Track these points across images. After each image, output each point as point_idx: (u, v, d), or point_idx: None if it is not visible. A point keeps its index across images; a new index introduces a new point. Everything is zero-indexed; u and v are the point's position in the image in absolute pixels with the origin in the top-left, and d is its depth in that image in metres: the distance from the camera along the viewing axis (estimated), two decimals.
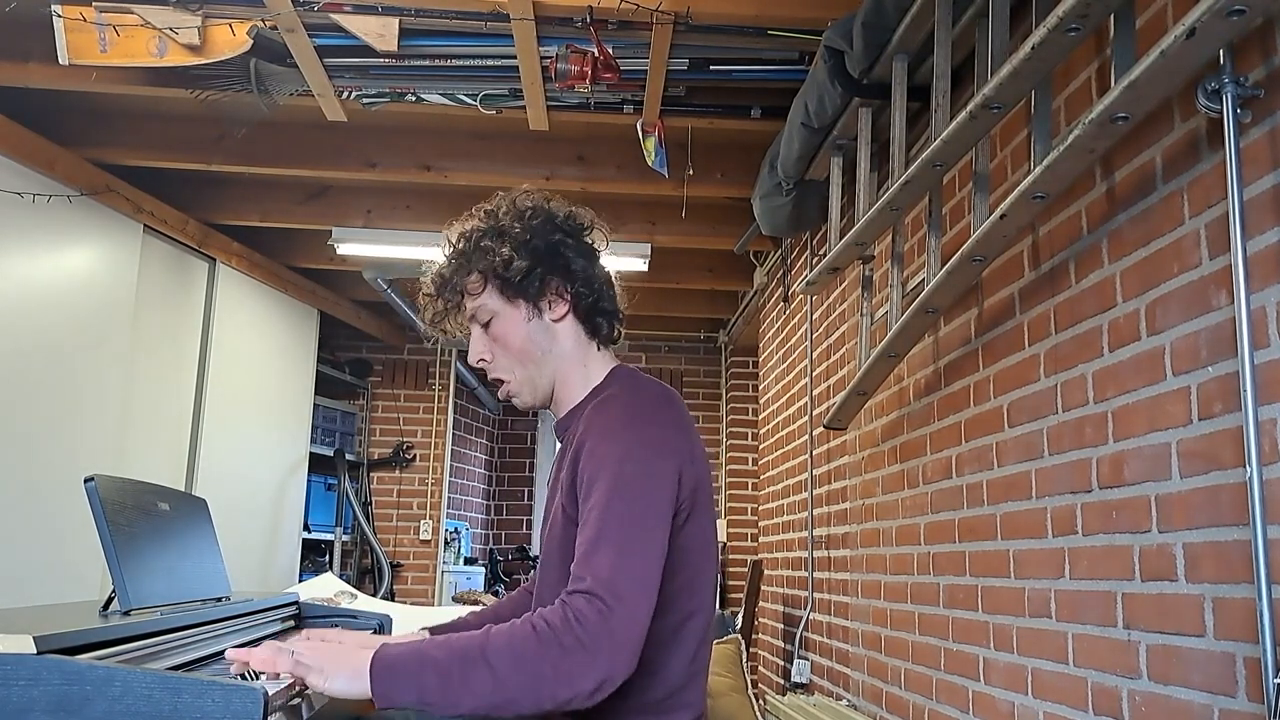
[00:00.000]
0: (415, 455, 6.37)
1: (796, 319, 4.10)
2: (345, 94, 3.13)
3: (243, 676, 1.25)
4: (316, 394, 5.49)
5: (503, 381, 1.52)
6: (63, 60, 2.85)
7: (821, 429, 3.44)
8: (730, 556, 5.99)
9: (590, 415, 1.41)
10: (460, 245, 1.50)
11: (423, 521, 6.27)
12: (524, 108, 3.18)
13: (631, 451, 1.31)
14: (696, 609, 1.40)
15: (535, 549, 6.78)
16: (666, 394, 1.45)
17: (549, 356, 1.49)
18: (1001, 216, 1.86)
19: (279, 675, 1.23)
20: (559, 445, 1.53)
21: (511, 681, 1.18)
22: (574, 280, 1.49)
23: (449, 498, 6.45)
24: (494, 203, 1.53)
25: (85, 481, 1.47)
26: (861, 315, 2.85)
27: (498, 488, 7.83)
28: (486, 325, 1.50)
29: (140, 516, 1.59)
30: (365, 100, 3.15)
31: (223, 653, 1.50)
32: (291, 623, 2.03)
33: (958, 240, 2.23)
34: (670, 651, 1.37)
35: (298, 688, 1.29)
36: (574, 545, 1.29)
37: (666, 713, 1.39)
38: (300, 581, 4.65)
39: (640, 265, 4.46)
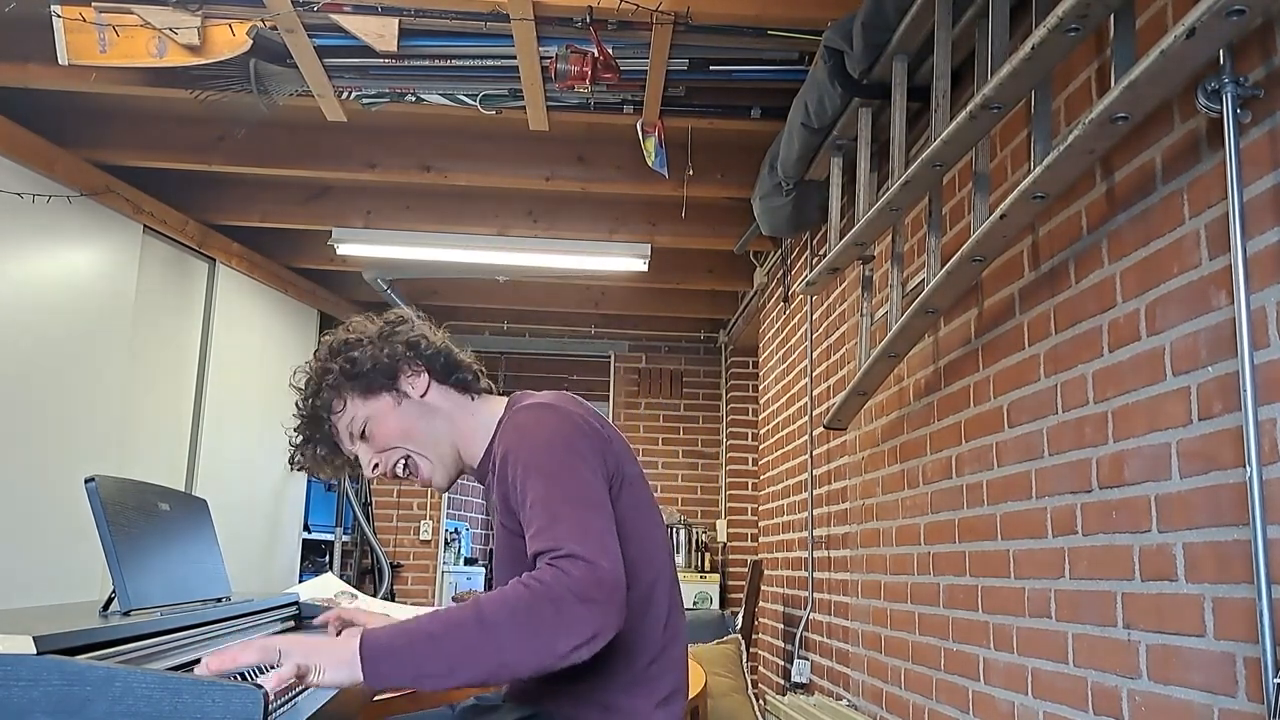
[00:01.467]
0: None
1: (796, 319, 4.10)
2: (345, 94, 3.13)
3: (242, 676, 1.24)
4: None
5: (415, 475, 1.52)
6: (62, 61, 2.85)
7: (821, 429, 3.44)
8: (730, 556, 5.99)
9: (503, 434, 1.44)
10: (306, 385, 1.54)
11: (423, 522, 6.27)
12: (524, 108, 3.18)
13: (549, 444, 1.36)
14: (658, 575, 1.44)
15: None
16: (560, 395, 1.50)
17: (435, 429, 1.51)
18: (1001, 217, 1.86)
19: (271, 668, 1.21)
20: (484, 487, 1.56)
21: (510, 640, 1.18)
22: (419, 351, 1.50)
23: (449, 498, 6.45)
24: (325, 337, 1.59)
25: (85, 482, 1.47)
26: (861, 315, 2.85)
27: None
28: (366, 435, 1.51)
29: (140, 517, 1.59)
30: (365, 100, 3.15)
31: None
32: (291, 623, 2.03)
33: (958, 240, 2.23)
34: (645, 620, 1.41)
35: (298, 687, 1.29)
36: (520, 555, 1.31)
37: (650, 680, 1.43)
38: (300, 582, 4.65)
39: (640, 265, 4.46)
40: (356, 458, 1.53)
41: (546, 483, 1.30)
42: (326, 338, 1.57)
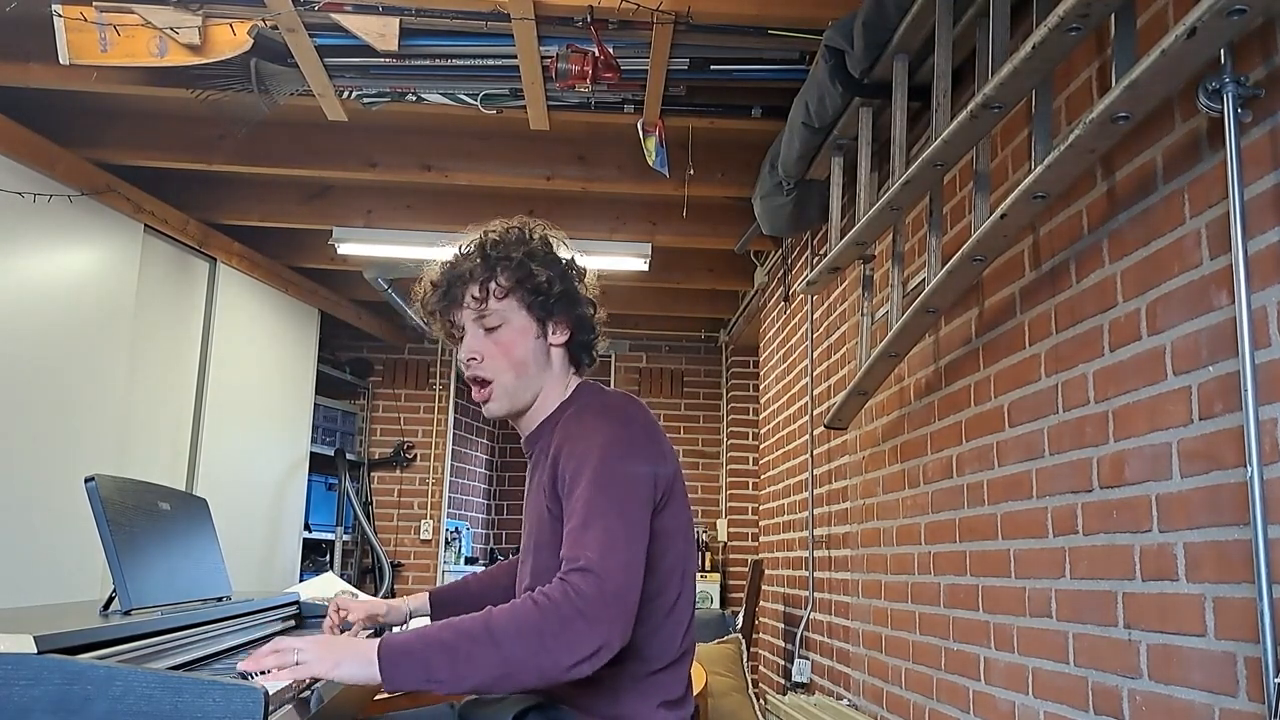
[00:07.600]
0: (416, 455, 6.37)
1: (797, 319, 4.10)
2: (346, 94, 3.13)
3: (244, 676, 1.25)
4: (317, 394, 5.49)
5: (486, 384, 1.57)
6: (63, 60, 2.85)
7: (822, 429, 3.44)
8: (730, 556, 5.98)
9: (565, 425, 1.53)
10: (491, 250, 1.59)
11: (423, 521, 6.27)
12: (524, 107, 3.17)
13: (607, 450, 1.42)
14: (684, 587, 1.53)
15: None
16: (630, 401, 1.57)
17: (541, 374, 1.60)
18: (1002, 216, 1.86)
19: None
20: (530, 459, 1.64)
21: (516, 652, 1.25)
22: (580, 318, 1.63)
23: (449, 497, 6.45)
24: (519, 223, 1.65)
25: (86, 481, 1.47)
26: (862, 315, 2.85)
27: (498, 487, 7.83)
28: (491, 329, 1.56)
29: (141, 516, 1.59)
30: (366, 100, 3.15)
31: (224, 652, 1.50)
32: (292, 623, 2.03)
33: (958, 240, 2.23)
34: (669, 628, 1.49)
35: (306, 681, 1.30)
36: (559, 539, 1.39)
37: (659, 685, 1.49)
38: (301, 581, 4.65)
39: (641, 265, 4.46)
40: (462, 333, 1.59)
41: (595, 485, 1.38)
42: (538, 235, 1.64)
